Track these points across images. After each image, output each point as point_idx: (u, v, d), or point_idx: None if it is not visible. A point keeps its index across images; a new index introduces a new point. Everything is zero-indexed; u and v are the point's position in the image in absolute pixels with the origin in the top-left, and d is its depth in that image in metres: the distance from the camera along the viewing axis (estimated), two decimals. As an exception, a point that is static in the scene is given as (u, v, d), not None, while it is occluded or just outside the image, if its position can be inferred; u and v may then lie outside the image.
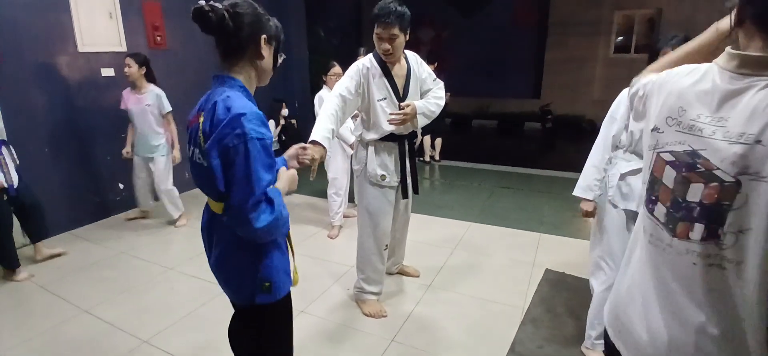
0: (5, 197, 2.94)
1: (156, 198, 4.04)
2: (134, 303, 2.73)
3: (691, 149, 0.80)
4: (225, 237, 1.28)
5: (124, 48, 4.19)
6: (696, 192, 0.79)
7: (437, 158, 6.37)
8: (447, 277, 3.00)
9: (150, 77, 3.70)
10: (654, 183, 0.87)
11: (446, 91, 6.67)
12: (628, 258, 1.00)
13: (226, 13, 1.16)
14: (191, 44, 4.90)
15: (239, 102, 1.16)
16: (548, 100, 10.18)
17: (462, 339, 2.33)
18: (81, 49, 3.90)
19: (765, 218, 0.73)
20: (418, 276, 2.97)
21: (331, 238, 3.70)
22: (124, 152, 3.84)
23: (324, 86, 3.69)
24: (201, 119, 1.19)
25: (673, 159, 0.83)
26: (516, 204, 4.53)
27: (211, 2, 1.16)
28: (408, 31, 2.23)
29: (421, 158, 6.29)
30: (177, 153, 3.84)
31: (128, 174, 4.31)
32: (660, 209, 0.86)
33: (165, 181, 3.83)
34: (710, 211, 0.78)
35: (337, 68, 3.63)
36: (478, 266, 3.16)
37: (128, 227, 3.99)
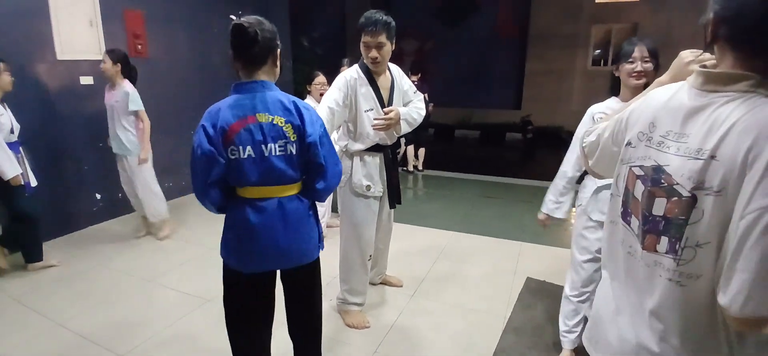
0: (25, 194, 3.04)
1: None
2: (110, 317, 2.66)
3: (656, 164, 0.83)
4: (297, 212, 1.54)
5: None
6: (660, 206, 0.81)
7: (420, 168, 6.41)
8: (430, 287, 3.01)
9: (128, 75, 3.60)
10: (628, 196, 0.89)
11: (429, 101, 6.78)
12: (607, 270, 1.01)
13: (258, 31, 1.43)
14: (173, 53, 4.85)
15: (298, 99, 1.52)
16: (529, 111, 10.38)
17: (445, 349, 2.34)
18: (60, 57, 3.82)
19: (719, 233, 0.73)
20: (401, 286, 2.98)
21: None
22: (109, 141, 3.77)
23: (308, 96, 3.69)
24: (272, 119, 1.45)
25: (642, 173, 0.85)
26: (498, 214, 4.59)
27: (244, 19, 1.43)
28: (394, 41, 2.27)
29: (405, 168, 6.33)
30: (143, 154, 3.65)
31: (106, 184, 4.23)
32: (634, 222, 0.88)
33: (140, 182, 3.70)
34: (671, 225, 0.80)
35: (321, 78, 3.64)
36: (460, 275, 3.18)
37: (105, 239, 3.90)
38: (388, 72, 2.41)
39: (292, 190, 1.54)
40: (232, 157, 1.44)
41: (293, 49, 6.69)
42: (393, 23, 2.23)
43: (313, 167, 1.53)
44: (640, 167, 0.86)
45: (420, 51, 11.48)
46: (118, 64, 3.51)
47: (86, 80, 4.04)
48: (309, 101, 3.63)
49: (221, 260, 1.59)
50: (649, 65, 1.79)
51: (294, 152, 1.49)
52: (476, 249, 3.64)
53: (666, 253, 0.81)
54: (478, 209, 4.75)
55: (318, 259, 1.68)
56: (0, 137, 2.87)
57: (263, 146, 1.45)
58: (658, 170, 0.82)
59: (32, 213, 3.12)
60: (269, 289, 1.64)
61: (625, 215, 0.91)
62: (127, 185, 3.85)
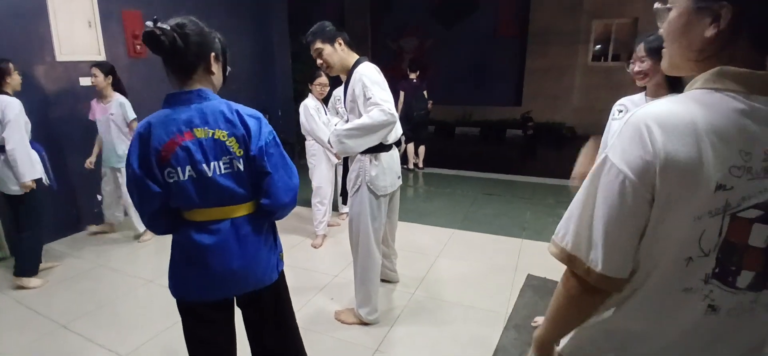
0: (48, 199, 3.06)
1: (126, 213, 3.95)
2: (113, 318, 2.67)
3: None
4: (253, 232, 1.40)
5: (103, 57, 4.12)
6: None
7: (421, 165, 6.41)
8: (431, 284, 3.01)
9: (117, 87, 3.62)
10: (731, 251, 0.70)
11: (429, 99, 6.76)
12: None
13: (176, 35, 1.24)
14: (172, 53, 4.84)
15: (242, 107, 1.35)
16: (529, 107, 10.37)
17: (446, 346, 2.34)
18: (59, 58, 3.83)
19: None
20: (397, 281, 2.98)
21: (315, 247, 3.69)
22: (87, 162, 3.77)
23: (309, 95, 3.68)
24: (211, 133, 1.28)
25: (762, 213, 0.68)
26: (498, 211, 4.58)
27: (160, 24, 1.24)
28: (334, 39, 2.25)
29: (405, 166, 6.33)
30: None
31: (107, 185, 4.22)
32: (746, 277, 0.71)
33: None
34: None
35: (323, 78, 3.64)
36: (461, 272, 3.18)
37: (106, 240, 3.90)
38: (354, 72, 2.29)
39: (245, 209, 1.38)
40: (170, 180, 1.28)
41: (292, 48, 6.68)
42: (326, 25, 2.26)
43: (260, 180, 1.36)
44: (754, 206, 0.67)
45: (420, 49, 11.48)
46: (109, 77, 3.52)
47: (86, 81, 4.04)
48: (310, 99, 3.62)
49: None
50: (646, 65, 1.79)
51: (241, 168, 1.32)
52: (477, 246, 3.64)
53: None
54: (479, 207, 4.75)
55: (281, 277, 1.55)
56: (26, 139, 2.85)
57: (205, 166, 1.28)
58: None
59: (39, 222, 3.08)
60: (229, 319, 1.51)
61: (725, 277, 0.71)
62: (108, 196, 3.85)
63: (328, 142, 2.27)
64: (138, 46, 4.46)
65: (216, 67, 1.37)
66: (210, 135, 1.28)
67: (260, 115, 1.37)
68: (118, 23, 4.28)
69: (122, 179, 3.71)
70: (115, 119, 3.55)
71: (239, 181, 1.33)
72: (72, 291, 2.99)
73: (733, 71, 0.68)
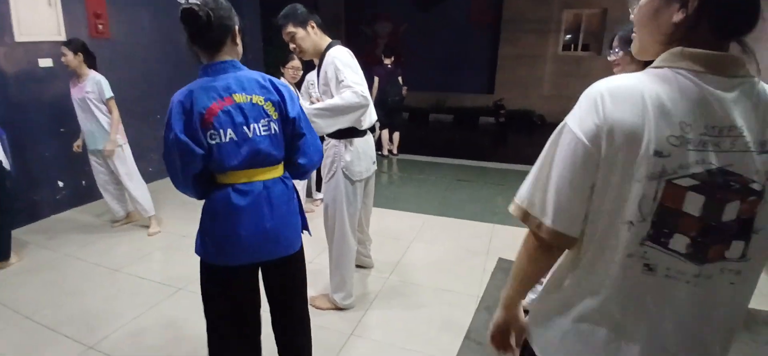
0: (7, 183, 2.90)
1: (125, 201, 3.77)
2: (79, 307, 2.59)
3: (716, 166, 0.72)
4: (283, 194, 1.50)
5: (63, 37, 3.91)
6: (732, 210, 0.73)
7: (395, 152, 6.43)
8: (405, 269, 3.05)
9: (91, 64, 3.41)
10: (665, 215, 0.74)
11: (404, 85, 6.75)
12: (611, 321, 0.83)
13: (211, 12, 1.34)
14: (136, 33, 4.66)
15: (271, 77, 1.49)
16: (501, 95, 10.51)
17: (421, 329, 2.39)
18: (18, 38, 3.62)
19: None
20: (372, 267, 3.01)
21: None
22: (74, 145, 3.56)
23: (281, 78, 3.62)
24: (250, 98, 1.40)
25: (697, 182, 0.72)
26: (471, 197, 4.66)
27: (194, 0, 1.33)
28: (307, 22, 2.22)
29: (380, 152, 6.33)
30: (111, 145, 3.40)
31: (69, 171, 4.06)
32: (681, 240, 0.75)
33: (126, 173, 3.53)
34: (743, 225, 0.75)
35: (296, 61, 3.57)
36: (435, 257, 3.23)
37: (70, 228, 3.75)
38: (326, 56, 2.27)
39: (277, 172, 1.49)
40: (213, 142, 1.36)
41: (264, 32, 6.52)
42: (297, 8, 2.22)
43: (295, 142, 1.51)
44: (690, 176, 0.72)
45: (394, 34, 11.42)
46: (80, 54, 3.30)
47: (45, 63, 3.84)
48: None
49: (192, 248, 1.53)
50: (618, 54, 1.85)
51: (278, 130, 1.45)
52: (450, 231, 3.70)
53: (739, 258, 0.76)
54: (452, 193, 4.81)
55: (303, 247, 1.65)
56: None
57: (246, 128, 1.38)
58: (722, 173, 0.72)
59: (4, 207, 2.94)
60: (256, 285, 1.58)
61: (659, 238, 0.75)
62: (106, 184, 3.64)
63: None
64: (100, 26, 4.26)
65: (238, 39, 1.47)
66: (248, 100, 1.40)
67: (285, 84, 1.52)
68: (79, 2, 4.07)
69: (110, 162, 3.49)
70: (91, 96, 3.33)
71: (275, 143, 1.45)
72: (35, 281, 2.87)
73: (690, 51, 0.74)
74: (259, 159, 1.42)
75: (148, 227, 3.64)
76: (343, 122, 2.16)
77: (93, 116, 3.37)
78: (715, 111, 0.72)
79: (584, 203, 0.79)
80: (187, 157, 1.35)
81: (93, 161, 3.58)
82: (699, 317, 0.80)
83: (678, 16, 0.74)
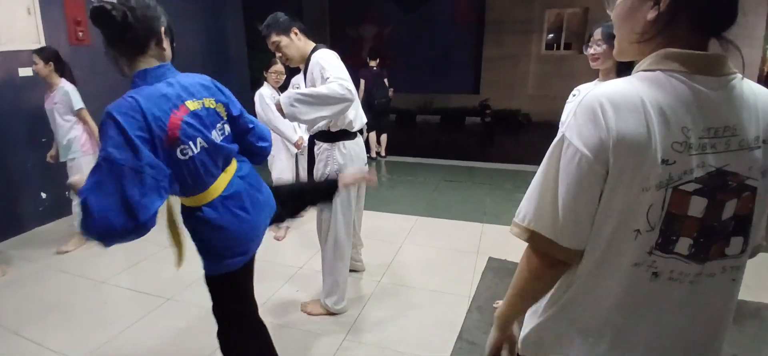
0: None
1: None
2: (64, 321, 2.53)
3: (715, 168, 0.73)
4: (251, 171, 1.53)
5: (43, 45, 3.84)
6: (730, 208, 0.74)
7: (383, 154, 6.43)
8: (396, 271, 3.05)
9: (63, 73, 3.33)
10: (672, 222, 0.74)
11: (390, 86, 6.76)
12: (616, 331, 0.82)
13: (126, 10, 1.20)
14: (119, 41, 4.59)
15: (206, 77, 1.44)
16: (487, 95, 10.60)
17: (413, 331, 2.39)
18: (-5, 47, 3.53)
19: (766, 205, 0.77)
20: (363, 270, 3.00)
21: (278, 239, 3.63)
22: (48, 156, 3.49)
23: (265, 83, 3.60)
24: (202, 103, 1.32)
25: (699, 186, 0.72)
26: (459, 197, 4.69)
27: (108, 1, 1.19)
28: (290, 29, 2.21)
29: (368, 154, 6.31)
30: (77, 177, 3.26)
31: (51, 182, 3.97)
32: (683, 243, 0.75)
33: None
34: (741, 221, 0.76)
35: (278, 65, 3.55)
36: (425, 258, 3.24)
37: (53, 240, 3.66)
38: (311, 58, 2.25)
39: (234, 167, 1.49)
40: (184, 157, 1.24)
41: (248, 36, 6.48)
42: (279, 17, 2.22)
43: (247, 135, 1.52)
44: (694, 180, 0.72)
45: (379, 36, 11.44)
46: (51, 63, 3.22)
47: (25, 72, 3.75)
48: (265, 88, 3.55)
49: (191, 270, 1.52)
50: (600, 49, 1.88)
51: (229, 130, 1.44)
52: (439, 232, 3.72)
53: (739, 254, 0.78)
54: (440, 194, 4.83)
55: None
56: None
57: (208, 134, 1.31)
58: (720, 174, 0.72)
59: None
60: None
61: (666, 246, 0.75)
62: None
63: (279, 106, 2.10)
64: (80, 33, 4.18)
65: (166, 42, 1.32)
66: (201, 105, 1.31)
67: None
68: (58, 9, 3.99)
69: (69, 172, 3.41)
70: (60, 107, 3.26)
71: (229, 141, 1.43)
72: (20, 295, 2.80)
73: (674, 53, 0.73)
74: (228, 160, 1.43)
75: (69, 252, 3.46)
76: (323, 113, 2.06)
77: (58, 127, 3.31)
78: (710, 113, 0.72)
79: (592, 216, 0.77)
80: (160, 179, 1.17)
81: (68, 170, 3.49)
82: (699, 315, 0.80)
83: (651, 14, 0.74)
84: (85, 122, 3.36)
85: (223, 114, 1.39)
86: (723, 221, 0.74)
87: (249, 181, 1.48)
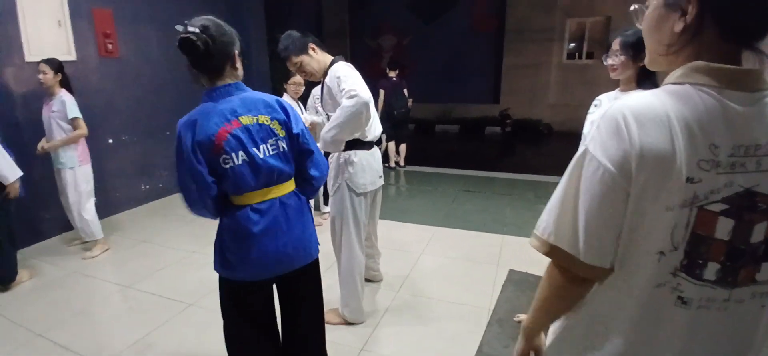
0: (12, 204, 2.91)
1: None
2: (90, 325, 2.59)
3: (743, 188, 0.69)
4: (298, 208, 1.55)
5: (73, 57, 3.99)
6: (760, 232, 0.70)
7: (402, 163, 6.43)
8: (415, 282, 3.02)
9: (65, 84, 3.42)
10: (698, 243, 0.71)
11: (409, 97, 6.78)
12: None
13: (209, 40, 1.35)
14: (144, 52, 4.73)
15: (276, 97, 1.53)
16: (507, 105, 10.51)
17: (431, 343, 2.36)
18: (28, 58, 3.68)
19: None
20: (381, 280, 2.99)
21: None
22: (39, 146, 3.47)
23: (284, 94, 3.65)
24: (256, 119, 1.42)
25: (727, 207, 0.69)
26: (479, 207, 4.64)
27: (191, 29, 1.34)
28: (306, 47, 2.24)
29: (387, 164, 6.33)
30: (47, 144, 3.38)
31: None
32: (711, 268, 0.72)
33: (74, 198, 3.49)
34: None
35: (297, 77, 3.60)
36: (444, 270, 3.21)
37: (78, 246, 3.78)
38: (329, 72, 2.30)
39: (289, 187, 1.53)
40: (226, 166, 1.39)
41: (270, 46, 6.60)
42: (293, 37, 2.24)
43: (303, 156, 1.55)
44: (721, 200, 0.69)
45: (398, 46, 11.50)
46: (59, 74, 3.34)
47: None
48: (285, 98, 3.60)
49: (201, 263, 1.56)
50: (619, 59, 1.84)
51: (286, 147, 1.49)
52: (459, 243, 3.68)
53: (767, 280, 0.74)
54: (460, 204, 4.79)
55: (318, 259, 1.68)
56: None
57: (255, 149, 1.41)
58: (749, 194, 0.69)
59: (11, 226, 2.96)
60: (271, 295, 1.61)
61: (693, 269, 0.72)
62: (62, 199, 3.61)
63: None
64: (109, 45, 4.33)
65: (239, 63, 1.49)
66: (255, 121, 1.42)
67: (289, 103, 1.59)
68: (88, 22, 4.15)
69: (59, 180, 3.50)
70: (57, 116, 3.35)
71: (285, 160, 1.49)
72: (46, 300, 2.89)
73: (704, 66, 0.70)
74: (272, 177, 1.46)
75: (94, 258, 3.54)
76: (353, 127, 2.20)
77: (53, 136, 3.38)
78: (740, 130, 0.68)
79: (616, 232, 0.74)
80: (202, 184, 1.38)
81: (56, 179, 3.58)
82: (728, 344, 0.76)
83: (678, 25, 0.71)
84: (78, 130, 3.40)
85: (279, 131, 1.47)
86: (752, 245, 0.70)
87: (287, 212, 1.50)
